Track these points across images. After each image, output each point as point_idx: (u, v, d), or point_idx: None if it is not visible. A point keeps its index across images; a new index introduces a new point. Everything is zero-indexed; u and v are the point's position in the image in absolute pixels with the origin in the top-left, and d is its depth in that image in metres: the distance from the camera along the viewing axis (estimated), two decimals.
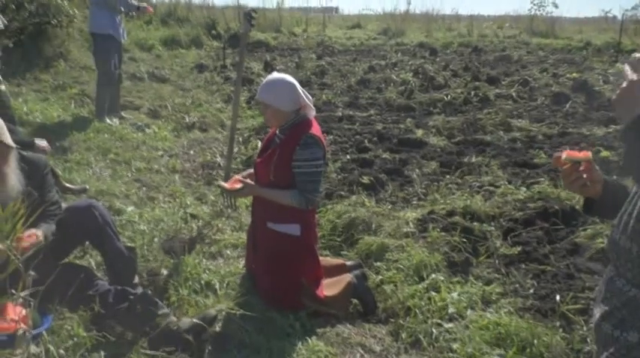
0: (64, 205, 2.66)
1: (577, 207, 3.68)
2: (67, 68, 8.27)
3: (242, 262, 3.20)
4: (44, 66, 8.01)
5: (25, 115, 5.43)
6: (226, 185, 2.87)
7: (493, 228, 3.65)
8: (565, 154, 1.41)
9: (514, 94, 8.06)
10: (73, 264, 2.69)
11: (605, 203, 1.42)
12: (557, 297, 2.74)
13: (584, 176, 1.41)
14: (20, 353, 1.86)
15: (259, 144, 5.52)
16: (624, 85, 1.14)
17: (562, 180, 1.53)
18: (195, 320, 2.37)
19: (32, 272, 2.16)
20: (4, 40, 6.33)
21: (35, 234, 2.22)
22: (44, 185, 2.50)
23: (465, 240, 3.42)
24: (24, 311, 2.03)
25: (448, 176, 4.64)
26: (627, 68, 1.18)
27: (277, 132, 2.79)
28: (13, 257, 1.75)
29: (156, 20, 14.44)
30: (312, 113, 2.76)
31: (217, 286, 2.87)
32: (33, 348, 1.97)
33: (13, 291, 1.79)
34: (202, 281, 2.88)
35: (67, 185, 3.83)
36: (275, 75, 2.72)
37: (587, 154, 1.40)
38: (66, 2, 8.34)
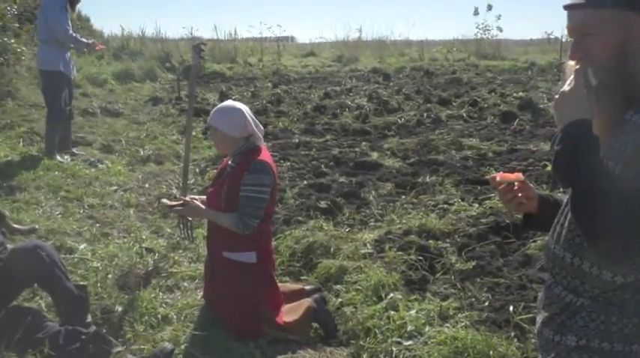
0: (9, 246, 2.58)
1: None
2: (16, 106, 8.07)
3: (200, 293, 3.15)
4: None
5: None
6: (168, 202, 2.88)
7: (448, 245, 3.73)
8: (499, 176, 1.49)
9: (464, 114, 8.34)
10: (19, 306, 2.60)
11: (541, 217, 1.49)
12: (511, 308, 2.82)
13: (519, 194, 1.47)
14: None
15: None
16: (560, 92, 1.21)
17: (499, 199, 1.60)
18: (151, 356, 2.32)
19: None
20: None
21: None
22: None
23: (421, 257, 3.47)
24: None
25: (404, 196, 4.73)
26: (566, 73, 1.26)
27: (229, 161, 2.82)
28: None
29: (108, 55, 14.31)
30: (261, 140, 2.79)
31: (174, 319, 2.82)
32: None
33: None
34: (159, 316, 2.83)
35: (15, 226, 3.72)
36: (226, 102, 2.80)
37: (518, 175, 1.48)
38: (13, 40, 8.20)
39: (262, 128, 2.82)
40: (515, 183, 1.48)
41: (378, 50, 19.35)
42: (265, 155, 2.74)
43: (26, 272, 2.42)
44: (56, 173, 5.09)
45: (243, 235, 2.65)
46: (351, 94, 10.61)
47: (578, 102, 1.17)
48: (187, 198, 2.85)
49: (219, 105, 2.78)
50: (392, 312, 2.91)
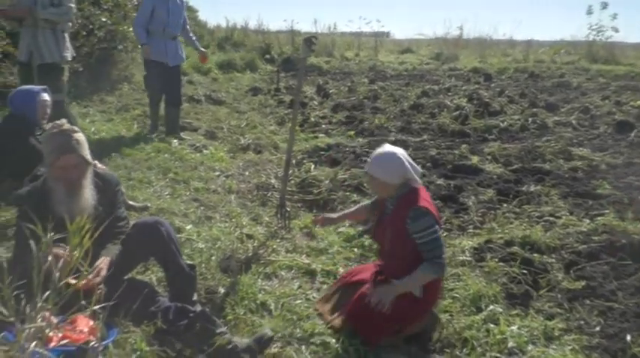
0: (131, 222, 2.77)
1: None
2: (130, 90, 8.70)
3: (296, 283, 3.21)
4: (110, 88, 8.46)
5: (92, 135, 5.71)
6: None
7: (554, 260, 3.52)
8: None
9: (574, 122, 7.80)
10: (137, 279, 2.79)
11: None
12: (628, 337, 2.60)
13: None
14: None
15: (312, 167, 5.59)
16: None
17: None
18: (251, 340, 2.39)
19: (101, 286, 2.26)
20: (75, 64, 6.72)
21: (100, 273, 2.38)
22: (115, 202, 2.62)
23: (524, 271, 3.31)
24: (93, 324, 2.11)
25: (505, 204, 4.52)
26: None
27: (387, 203, 2.82)
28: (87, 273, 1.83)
29: (213, 45, 14.98)
30: (418, 181, 2.74)
31: (272, 307, 2.89)
32: None
33: (84, 303, 1.85)
34: (258, 301, 2.92)
35: (131, 202, 4.00)
36: (384, 148, 2.75)
37: None
38: (131, 28, 8.80)
39: (419, 169, 2.78)
40: None
41: (479, 49, 18.62)
42: (423, 197, 2.69)
43: (146, 246, 2.58)
44: (166, 155, 5.41)
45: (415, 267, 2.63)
46: (449, 94, 10.31)
47: None
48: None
49: (377, 152, 2.74)
50: (491, 325, 2.80)
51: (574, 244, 3.66)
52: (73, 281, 1.79)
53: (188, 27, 6.51)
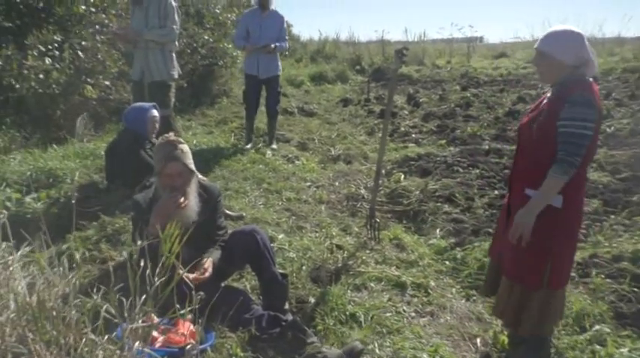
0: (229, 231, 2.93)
1: None
2: (229, 104, 9.17)
3: (386, 296, 3.20)
4: (210, 102, 8.98)
5: (194, 147, 6.09)
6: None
7: None
8: None
9: None
10: (233, 287, 2.93)
11: None
12: None
13: None
14: None
15: (402, 177, 5.55)
16: None
17: None
18: (342, 351, 2.42)
19: (201, 292, 2.40)
20: (180, 80, 7.22)
21: (207, 270, 2.53)
22: (216, 211, 2.79)
23: (635, 289, 3.05)
24: (193, 328, 2.26)
25: (613, 216, 4.20)
26: None
27: (549, 93, 2.52)
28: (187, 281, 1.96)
29: (306, 58, 15.38)
30: (593, 71, 2.40)
31: (362, 318, 2.90)
32: None
33: (179, 308, 1.97)
34: (347, 313, 2.94)
35: (227, 211, 4.20)
36: (560, 26, 2.47)
37: None
38: (230, 45, 9.31)
39: (597, 62, 2.43)
40: None
41: None
42: (593, 90, 2.34)
43: (244, 253, 2.72)
44: (260, 166, 5.63)
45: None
46: None
47: None
48: None
49: (552, 29, 2.43)
50: (597, 347, 2.63)
51: None
52: (189, 276, 1.93)
53: (284, 43, 6.52)
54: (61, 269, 1.82)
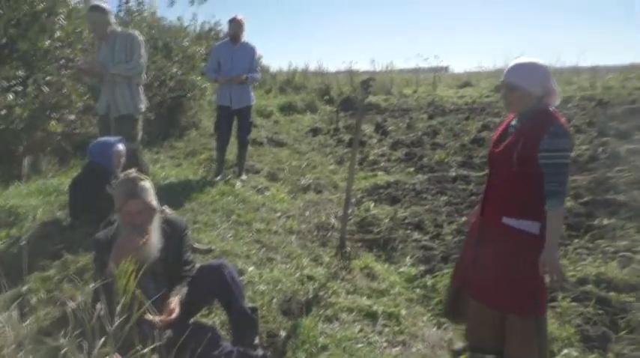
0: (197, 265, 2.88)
1: None
2: (198, 136, 9.12)
3: (357, 327, 3.18)
4: (179, 134, 8.92)
5: (162, 181, 6.02)
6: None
7: (634, 299, 3.29)
8: None
9: None
10: (202, 323, 2.86)
11: None
12: None
13: None
14: None
15: (372, 205, 5.59)
16: None
17: None
18: None
19: (168, 330, 2.34)
20: (147, 113, 7.17)
21: (174, 311, 2.47)
22: (182, 246, 2.74)
23: (600, 311, 3.11)
24: None
25: (577, 240, 4.31)
26: None
27: (512, 122, 2.61)
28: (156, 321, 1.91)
29: (275, 89, 15.51)
30: (557, 101, 2.50)
31: (333, 351, 2.87)
32: None
33: (141, 348, 1.92)
34: (319, 345, 2.91)
35: (196, 245, 4.14)
36: (524, 58, 2.55)
37: None
38: (199, 77, 9.33)
39: (558, 90, 2.50)
40: None
41: None
42: (564, 120, 2.44)
43: (211, 288, 2.67)
44: (230, 198, 5.59)
45: (531, 202, 2.44)
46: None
47: None
48: None
49: (517, 62, 2.51)
50: None
51: None
52: (150, 318, 1.87)
53: (257, 74, 6.53)
54: (16, 313, 1.76)
